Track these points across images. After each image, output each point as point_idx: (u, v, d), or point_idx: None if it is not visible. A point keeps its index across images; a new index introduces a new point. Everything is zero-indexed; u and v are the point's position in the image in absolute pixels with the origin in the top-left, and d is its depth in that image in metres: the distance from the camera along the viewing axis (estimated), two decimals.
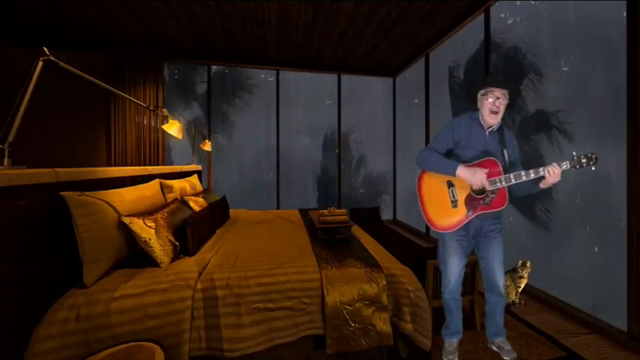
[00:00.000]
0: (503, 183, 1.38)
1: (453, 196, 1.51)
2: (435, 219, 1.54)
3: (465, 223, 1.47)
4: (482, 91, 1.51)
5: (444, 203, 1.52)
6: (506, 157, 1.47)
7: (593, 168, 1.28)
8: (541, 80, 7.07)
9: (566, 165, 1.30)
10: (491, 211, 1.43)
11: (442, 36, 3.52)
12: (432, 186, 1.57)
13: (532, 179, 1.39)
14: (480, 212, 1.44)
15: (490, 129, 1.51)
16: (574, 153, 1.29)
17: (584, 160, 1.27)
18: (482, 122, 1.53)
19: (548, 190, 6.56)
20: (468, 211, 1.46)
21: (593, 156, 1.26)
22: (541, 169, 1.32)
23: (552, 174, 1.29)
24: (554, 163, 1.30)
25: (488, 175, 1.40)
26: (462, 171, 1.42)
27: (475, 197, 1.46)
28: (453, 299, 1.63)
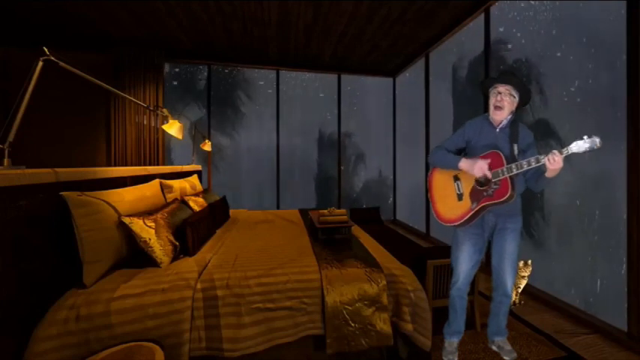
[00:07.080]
0: (506, 173, 1.38)
1: (459, 190, 1.55)
2: (442, 213, 1.60)
3: (470, 214, 1.48)
4: (490, 89, 1.55)
5: (451, 197, 1.57)
6: (516, 152, 1.46)
7: (597, 146, 1.21)
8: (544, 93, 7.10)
9: (567, 151, 1.28)
10: (494, 201, 1.42)
11: (442, 36, 3.53)
12: (441, 182, 1.64)
13: (537, 171, 1.41)
14: (483, 203, 1.45)
15: (500, 125, 1.52)
16: (585, 137, 1.23)
17: (586, 145, 1.23)
18: (491, 120, 1.55)
19: (547, 193, 6.56)
20: (472, 202, 1.48)
21: (596, 139, 1.22)
22: (542, 157, 1.31)
23: (553, 161, 1.28)
24: (554, 151, 1.29)
25: (492, 167, 1.42)
26: (463, 162, 1.47)
27: (478, 189, 1.48)
28: (460, 297, 1.62)
